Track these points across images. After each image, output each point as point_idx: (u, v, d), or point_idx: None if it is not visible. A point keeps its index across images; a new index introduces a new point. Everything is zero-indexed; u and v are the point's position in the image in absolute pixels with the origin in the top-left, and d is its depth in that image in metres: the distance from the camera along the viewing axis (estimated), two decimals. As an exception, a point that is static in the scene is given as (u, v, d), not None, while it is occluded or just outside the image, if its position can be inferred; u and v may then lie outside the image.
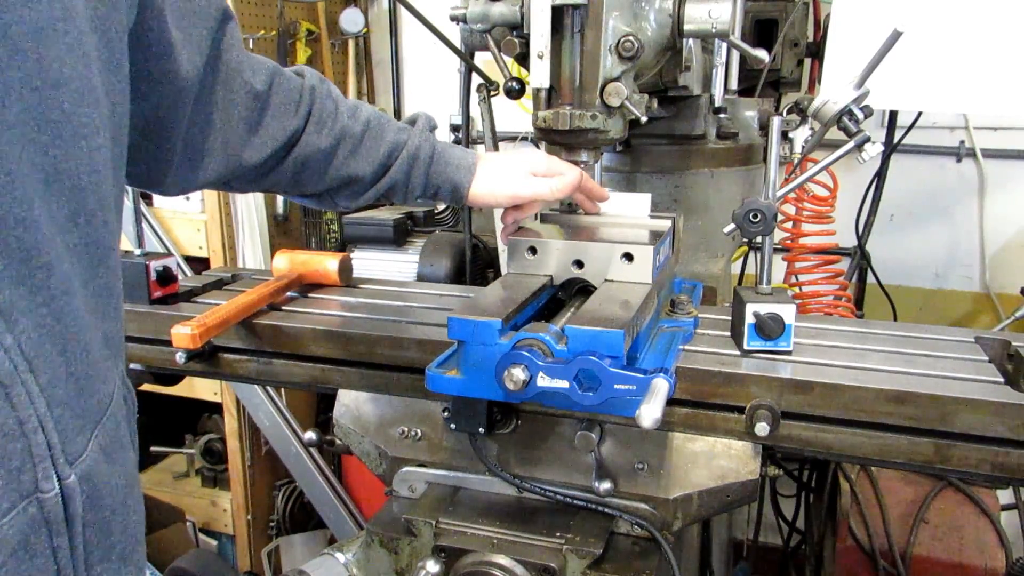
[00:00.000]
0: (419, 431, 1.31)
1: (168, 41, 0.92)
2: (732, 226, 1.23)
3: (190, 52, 0.97)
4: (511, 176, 1.29)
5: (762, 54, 1.26)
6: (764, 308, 1.20)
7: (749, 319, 1.20)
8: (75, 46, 0.68)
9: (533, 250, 1.23)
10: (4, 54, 0.61)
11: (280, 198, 3.01)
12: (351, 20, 3.16)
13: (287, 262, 1.58)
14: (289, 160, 1.18)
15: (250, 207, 2.81)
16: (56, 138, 0.67)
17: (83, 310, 0.72)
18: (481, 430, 1.20)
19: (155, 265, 1.48)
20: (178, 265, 1.59)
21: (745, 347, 1.22)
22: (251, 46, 2.80)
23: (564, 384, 0.96)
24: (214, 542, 3.28)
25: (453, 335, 1.05)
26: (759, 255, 1.27)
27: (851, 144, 1.25)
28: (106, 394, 0.77)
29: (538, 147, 1.37)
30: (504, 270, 1.38)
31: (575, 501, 1.19)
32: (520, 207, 1.33)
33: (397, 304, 1.50)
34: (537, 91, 1.25)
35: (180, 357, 1.39)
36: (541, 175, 1.30)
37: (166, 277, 1.50)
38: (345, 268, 1.59)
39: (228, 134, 1.09)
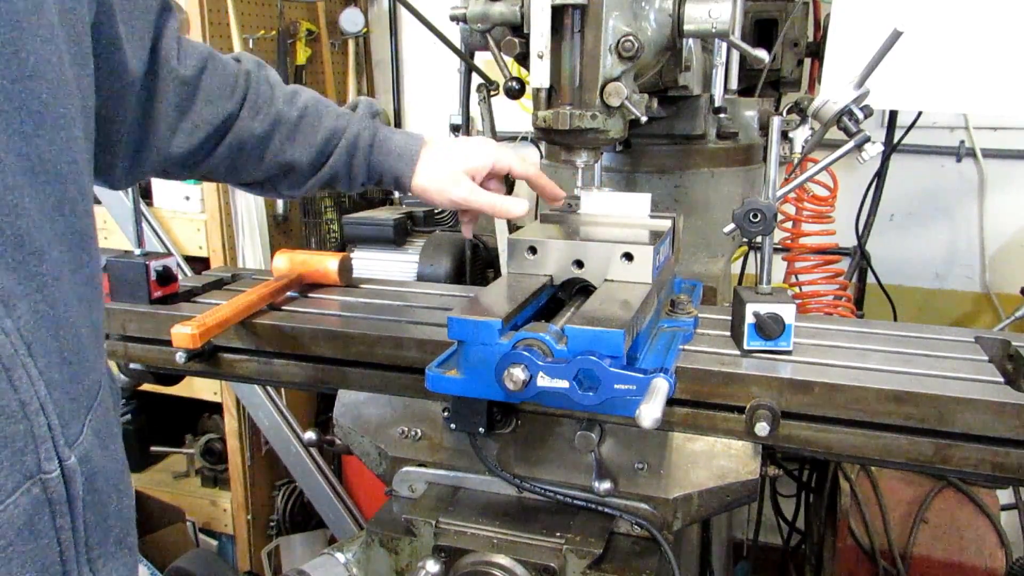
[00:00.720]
0: (419, 431, 1.31)
1: (116, 36, 0.93)
2: (732, 226, 1.23)
3: (134, 46, 0.98)
4: (446, 175, 1.27)
5: (762, 54, 1.26)
6: (764, 308, 1.20)
7: (749, 319, 1.20)
8: (48, 39, 0.69)
9: (533, 250, 1.23)
10: None
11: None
12: (351, 20, 3.16)
13: (287, 262, 1.58)
14: (223, 145, 1.17)
15: (250, 207, 2.82)
16: (38, 128, 0.68)
17: (72, 297, 0.74)
18: (481, 430, 1.20)
19: (155, 265, 1.48)
20: (178, 265, 1.59)
21: (745, 347, 1.22)
22: (251, 46, 2.80)
23: (564, 384, 0.96)
24: (214, 542, 3.28)
25: (453, 335, 1.05)
26: (759, 255, 1.27)
27: (851, 144, 1.25)
28: (95, 380, 0.79)
29: (538, 148, 1.37)
30: (504, 270, 1.38)
31: (575, 501, 1.19)
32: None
33: (397, 304, 1.50)
34: (537, 91, 1.25)
35: (180, 357, 1.39)
36: (485, 173, 1.29)
37: (166, 277, 1.50)
38: (345, 268, 1.59)
39: (160, 123, 1.08)
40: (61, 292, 0.72)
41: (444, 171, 1.28)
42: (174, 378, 1.61)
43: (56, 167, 0.71)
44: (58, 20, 0.72)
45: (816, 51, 2.17)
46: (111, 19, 0.91)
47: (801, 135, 1.74)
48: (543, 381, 0.96)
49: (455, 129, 3.14)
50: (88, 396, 0.77)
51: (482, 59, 2.04)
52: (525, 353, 0.97)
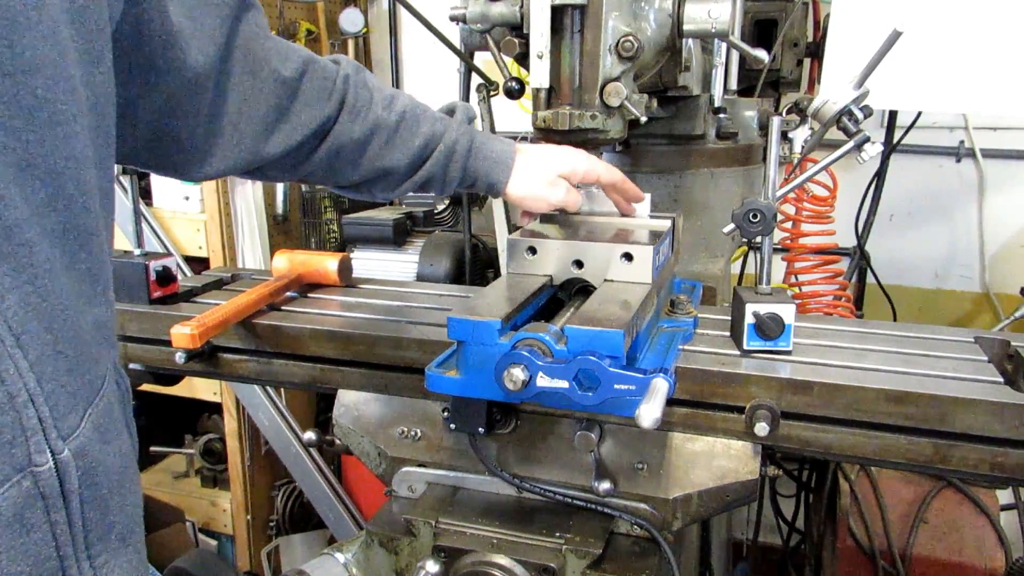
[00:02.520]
0: (419, 431, 1.31)
1: (171, 32, 0.92)
2: (732, 226, 1.23)
3: (200, 42, 0.97)
4: (542, 180, 1.28)
5: (762, 54, 1.26)
6: (764, 308, 1.20)
7: (749, 319, 1.20)
8: (48, 36, 0.69)
9: (533, 250, 1.23)
10: None
11: (280, 198, 3.01)
12: (351, 20, 3.16)
13: (287, 262, 1.58)
14: (322, 149, 1.17)
15: (249, 207, 2.81)
16: (29, 122, 0.68)
17: (69, 292, 0.73)
18: (481, 430, 1.20)
19: (155, 265, 1.48)
20: (177, 265, 1.59)
21: (745, 347, 1.22)
22: (251, 46, 2.80)
23: (564, 384, 0.96)
24: (214, 542, 3.28)
25: (453, 335, 1.04)
26: (759, 255, 1.27)
27: (851, 144, 1.25)
28: (98, 376, 0.78)
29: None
30: (504, 270, 1.38)
31: (575, 501, 1.19)
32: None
33: (397, 304, 1.50)
34: (537, 91, 1.25)
35: (180, 357, 1.39)
36: (579, 177, 1.29)
37: (166, 277, 1.50)
38: (345, 268, 1.59)
39: (254, 122, 1.08)
40: (55, 285, 0.71)
41: (539, 178, 1.28)
42: (174, 378, 1.61)
43: (50, 162, 0.71)
44: (65, 19, 0.72)
45: (816, 51, 2.17)
46: (164, 15, 0.91)
47: (801, 135, 1.74)
48: (543, 381, 0.96)
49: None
50: (89, 390, 0.76)
51: (482, 59, 2.04)
52: (525, 353, 0.97)
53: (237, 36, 1.04)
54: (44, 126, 0.69)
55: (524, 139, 1.48)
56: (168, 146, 1.02)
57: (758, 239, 1.24)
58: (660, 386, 0.96)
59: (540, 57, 1.21)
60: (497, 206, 2.50)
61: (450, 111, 1.30)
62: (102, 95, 0.80)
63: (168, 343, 1.30)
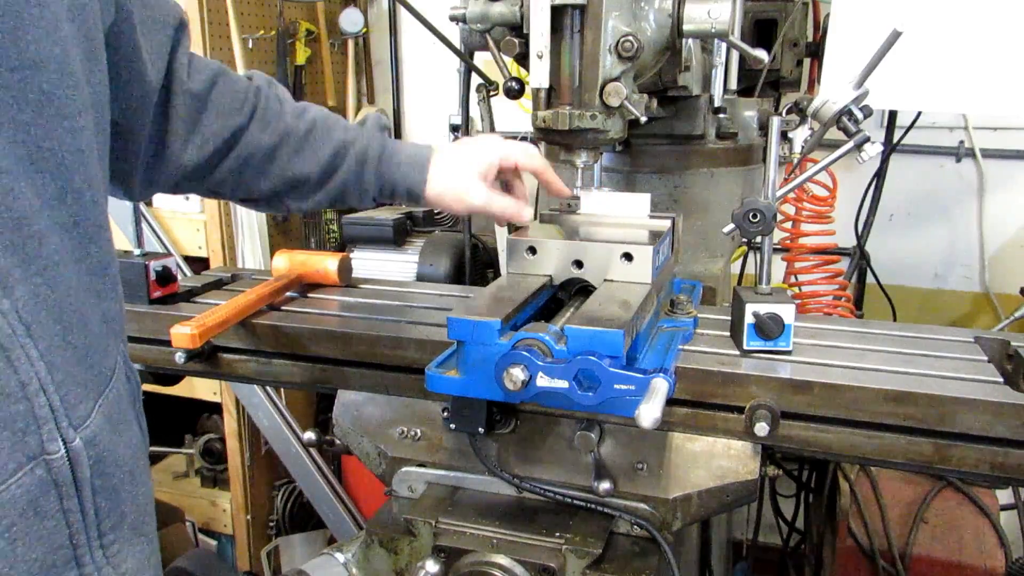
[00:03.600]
0: (419, 431, 1.31)
1: (137, 45, 0.95)
2: (732, 226, 1.23)
3: (152, 58, 1.01)
4: (461, 182, 1.27)
5: (761, 54, 1.26)
6: (763, 308, 1.20)
7: (749, 319, 1.20)
8: (51, 31, 0.70)
9: (532, 250, 1.23)
10: None
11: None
12: (350, 20, 3.16)
13: (286, 262, 1.58)
14: (231, 158, 1.18)
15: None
16: (37, 116, 0.69)
17: (77, 284, 0.74)
18: (481, 430, 1.20)
19: (154, 265, 1.48)
20: (177, 265, 1.59)
21: (745, 347, 1.22)
22: (251, 46, 2.80)
23: (564, 384, 0.96)
24: (213, 542, 3.28)
25: (453, 335, 1.05)
26: (758, 255, 1.27)
27: (850, 144, 1.25)
28: (107, 368, 0.80)
29: (538, 148, 1.37)
30: (504, 270, 1.38)
31: (575, 501, 1.19)
32: None
33: (397, 304, 1.50)
34: (536, 91, 1.25)
35: (179, 357, 1.39)
36: (497, 168, 1.28)
37: (165, 277, 1.50)
38: (344, 268, 1.59)
39: (173, 136, 1.10)
40: (63, 277, 0.72)
41: (457, 177, 1.28)
42: (173, 378, 1.61)
43: (58, 156, 0.72)
44: (66, 15, 0.73)
45: (816, 51, 2.17)
46: (132, 28, 0.94)
47: (800, 135, 1.74)
48: (543, 381, 0.96)
49: (454, 129, 3.14)
50: (98, 381, 0.77)
51: (482, 59, 2.04)
52: (525, 353, 0.97)
53: (175, 53, 1.07)
54: (51, 120, 0.70)
55: (524, 139, 1.48)
56: (118, 161, 1.03)
57: (758, 239, 1.24)
58: (660, 386, 0.96)
59: (540, 57, 1.21)
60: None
61: (362, 122, 1.31)
62: (101, 93, 0.81)
63: (168, 343, 1.30)
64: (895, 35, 1.14)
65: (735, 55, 1.59)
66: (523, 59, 1.26)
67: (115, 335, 0.83)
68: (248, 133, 1.18)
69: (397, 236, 2.76)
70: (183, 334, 1.26)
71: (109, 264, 0.81)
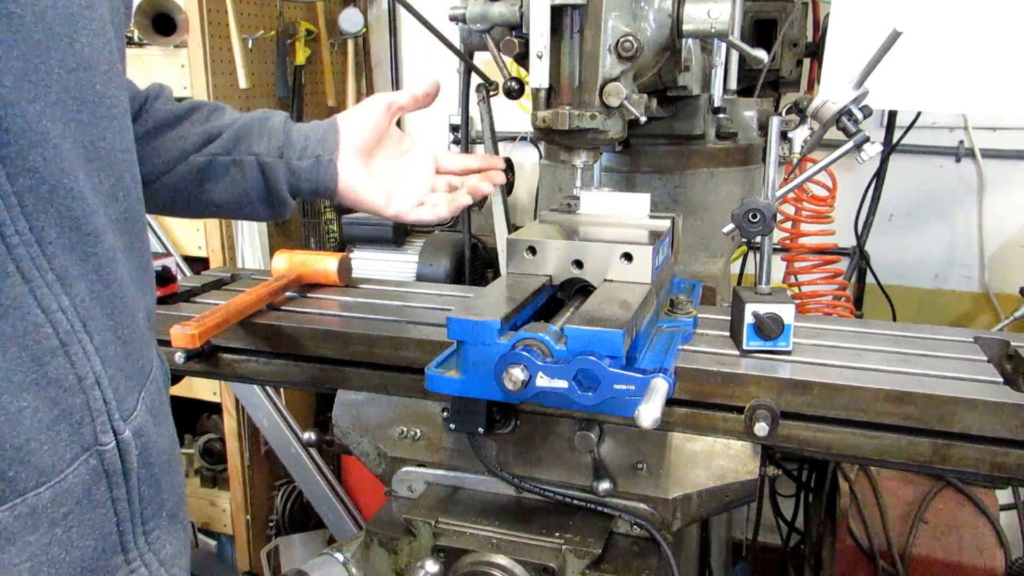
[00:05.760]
0: (418, 431, 1.31)
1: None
2: (731, 226, 1.23)
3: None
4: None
5: (761, 54, 1.26)
6: (763, 308, 1.20)
7: (748, 319, 1.20)
8: (99, 32, 0.73)
9: (532, 250, 1.23)
10: (43, 38, 0.65)
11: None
12: (350, 20, 3.16)
13: (286, 262, 1.58)
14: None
15: (249, 207, 2.81)
16: (92, 116, 0.71)
17: (127, 279, 0.78)
18: (480, 430, 1.20)
19: (154, 265, 1.48)
20: (177, 265, 1.59)
21: (744, 347, 1.22)
22: (251, 46, 2.80)
23: (563, 384, 0.96)
24: (213, 542, 3.28)
25: (452, 335, 1.05)
26: (758, 255, 1.27)
27: (850, 144, 1.25)
28: (148, 360, 0.83)
29: (538, 148, 1.37)
30: (504, 270, 1.38)
31: (574, 501, 1.19)
32: None
33: (396, 304, 1.50)
34: (536, 91, 1.25)
35: (179, 357, 1.39)
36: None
37: (165, 277, 1.50)
38: (344, 268, 1.59)
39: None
40: (116, 274, 0.75)
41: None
42: (173, 378, 1.61)
43: (112, 154, 0.74)
44: (109, 16, 0.75)
45: (815, 51, 2.17)
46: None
47: (800, 135, 1.74)
48: (542, 381, 0.96)
49: (454, 129, 3.14)
50: (141, 374, 0.80)
51: (481, 59, 2.04)
52: (524, 353, 0.97)
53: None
54: (103, 119, 0.73)
55: (524, 139, 1.48)
56: None
57: (758, 239, 1.24)
58: (660, 386, 0.96)
59: (540, 57, 1.21)
60: (497, 206, 2.50)
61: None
62: (130, 88, 0.83)
63: (168, 343, 1.30)
64: (895, 35, 1.14)
65: (735, 55, 1.59)
66: (523, 59, 1.26)
67: (152, 328, 0.87)
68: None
69: (397, 236, 2.76)
70: (183, 334, 1.26)
71: (150, 259, 0.85)
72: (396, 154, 1.29)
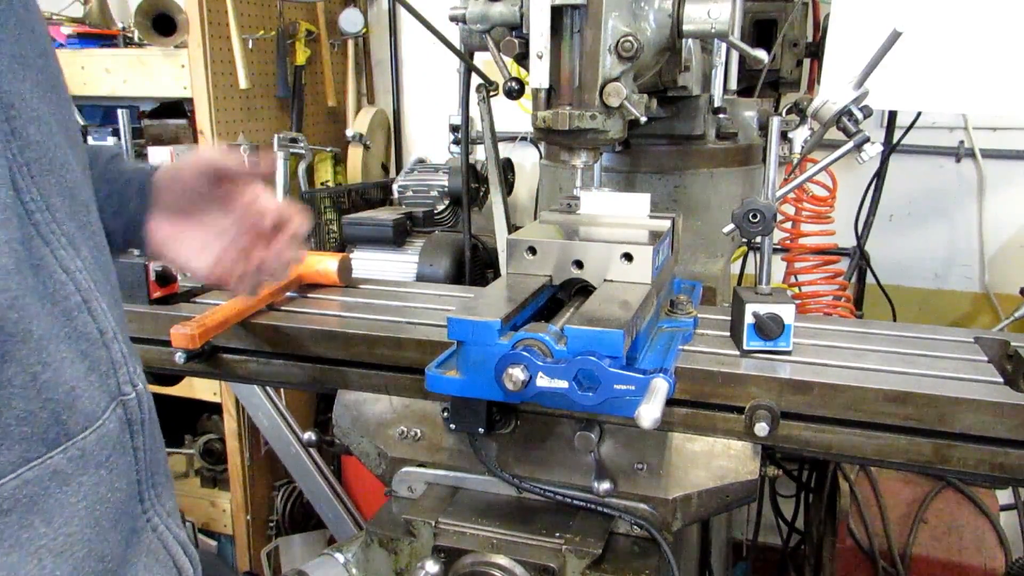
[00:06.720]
0: (418, 431, 1.31)
1: None
2: (731, 226, 1.23)
3: None
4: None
5: (761, 54, 1.26)
6: (763, 308, 1.20)
7: (748, 319, 1.20)
8: (41, 22, 0.76)
9: (532, 250, 1.23)
10: (22, 22, 0.69)
11: (279, 198, 3.00)
12: (350, 20, 3.16)
13: (286, 262, 1.58)
14: None
15: (249, 207, 2.81)
16: (59, 99, 0.75)
17: (109, 252, 0.82)
18: (480, 430, 1.20)
19: (154, 266, 1.48)
20: (177, 265, 1.59)
21: (745, 347, 1.22)
22: (251, 46, 2.80)
23: (563, 384, 0.96)
24: (213, 542, 3.28)
25: (452, 335, 1.04)
26: (758, 255, 1.27)
27: (850, 144, 1.25)
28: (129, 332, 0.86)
29: (538, 148, 1.37)
30: (504, 270, 1.38)
31: (574, 501, 1.19)
32: None
33: (397, 304, 1.50)
34: (536, 91, 1.25)
35: (179, 357, 1.39)
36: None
37: (165, 277, 1.50)
38: (344, 268, 1.59)
39: None
40: (105, 245, 0.80)
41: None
42: (173, 378, 1.61)
43: (77, 137, 0.78)
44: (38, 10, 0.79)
45: (815, 51, 2.17)
46: None
47: (800, 135, 1.74)
48: (542, 381, 0.96)
49: (454, 129, 3.14)
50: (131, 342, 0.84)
51: (481, 59, 2.04)
52: (524, 353, 0.97)
53: None
54: (66, 106, 0.77)
55: (524, 139, 1.48)
56: None
57: (758, 239, 1.24)
58: (660, 386, 0.96)
59: (540, 57, 1.21)
60: (497, 206, 2.50)
61: None
62: None
63: (168, 343, 1.30)
64: (895, 35, 1.14)
65: (735, 55, 1.59)
66: (523, 59, 1.26)
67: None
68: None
69: (397, 236, 2.75)
70: (183, 334, 1.26)
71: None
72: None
